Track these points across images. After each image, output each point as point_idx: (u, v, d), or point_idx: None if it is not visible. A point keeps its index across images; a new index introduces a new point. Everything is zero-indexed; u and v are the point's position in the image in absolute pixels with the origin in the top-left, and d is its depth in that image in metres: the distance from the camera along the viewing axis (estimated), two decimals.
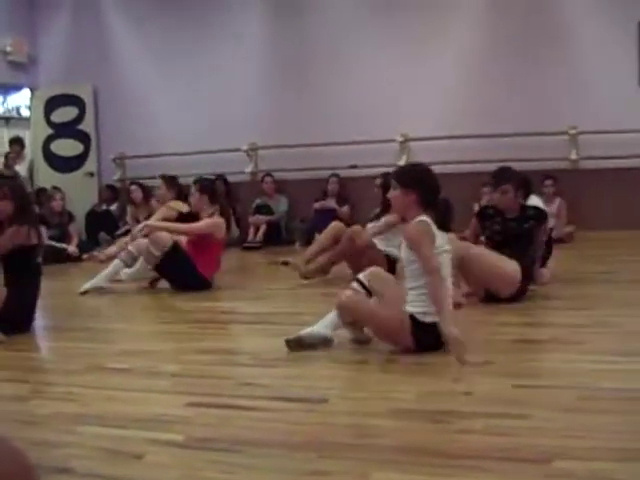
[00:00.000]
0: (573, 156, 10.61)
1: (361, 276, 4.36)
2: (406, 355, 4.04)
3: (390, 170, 5.76)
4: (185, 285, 6.88)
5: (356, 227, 7.14)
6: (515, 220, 5.86)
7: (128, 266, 7.20)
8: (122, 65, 13.02)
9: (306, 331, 4.23)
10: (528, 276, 5.69)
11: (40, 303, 5.59)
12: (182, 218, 7.52)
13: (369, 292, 4.26)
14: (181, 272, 6.86)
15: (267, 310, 5.95)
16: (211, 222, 6.93)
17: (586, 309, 5.31)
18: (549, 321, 5.27)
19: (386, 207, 6.69)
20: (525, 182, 6.34)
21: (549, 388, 3.46)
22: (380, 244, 6.93)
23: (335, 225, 7.47)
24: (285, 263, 7.38)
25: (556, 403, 3.20)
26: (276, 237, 11.26)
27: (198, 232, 6.90)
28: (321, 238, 7.42)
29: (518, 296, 5.58)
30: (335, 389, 3.67)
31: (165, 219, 7.63)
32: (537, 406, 3.17)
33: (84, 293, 6.95)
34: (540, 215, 5.95)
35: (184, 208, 7.80)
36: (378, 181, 7.64)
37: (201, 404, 3.43)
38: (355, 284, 4.32)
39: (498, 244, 5.73)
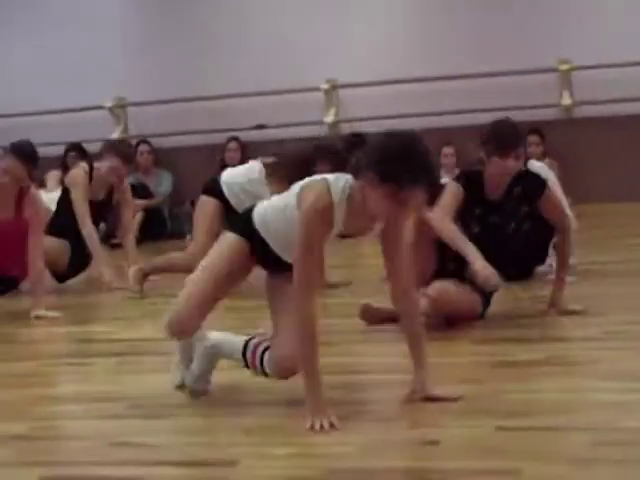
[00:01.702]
0: (566, 100, 10.73)
1: None
2: (345, 390, 4.04)
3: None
4: None
5: None
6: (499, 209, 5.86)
7: None
8: None
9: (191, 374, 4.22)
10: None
11: None
12: None
13: None
14: None
15: (144, 335, 5.88)
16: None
17: (594, 315, 5.37)
18: (544, 334, 5.22)
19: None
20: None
21: (548, 430, 3.44)
22: None
23: None
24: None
25: (558, 452, 3.19)
26: (157, 228, 11.18)
27: None
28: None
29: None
30: (248, 445, 3.62)
31: None
32: (531, 457, 3.15)
33: None
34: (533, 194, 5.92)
35: None
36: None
37: (60, 477, 3.36)
38: None
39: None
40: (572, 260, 6.56)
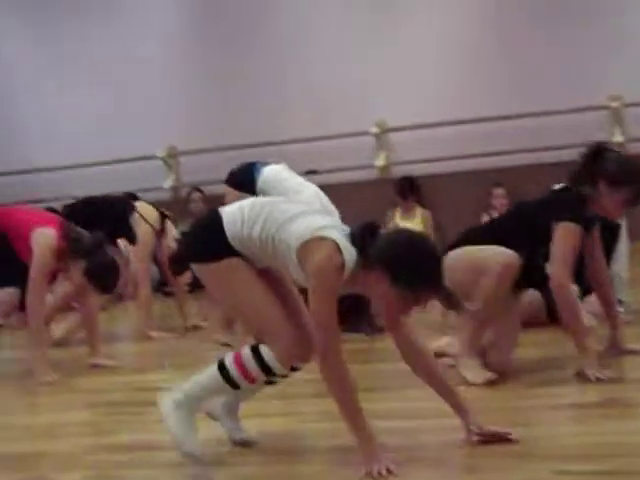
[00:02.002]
0: (618, 137, 10.67)
1: None
2: (400, 435, 4.01)
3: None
4: None
5: None
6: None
7: None
8: None
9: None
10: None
11: None
12: None
13: None
14: None
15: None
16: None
17: None
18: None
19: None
20: None
21: (608, 474, 3.39)
22: None
23: None
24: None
25: None
26: None
27: None
28: None
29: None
30: None
31: None
32: None
33: None
34: None
35: None
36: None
37: None
38: None
39: None
40: (625, 298, 6.53)
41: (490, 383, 4.89)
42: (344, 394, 3.68)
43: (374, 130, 11.45)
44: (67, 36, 12.58)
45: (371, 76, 11.41)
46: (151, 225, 8.29)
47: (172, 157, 12.32)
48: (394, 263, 3.63)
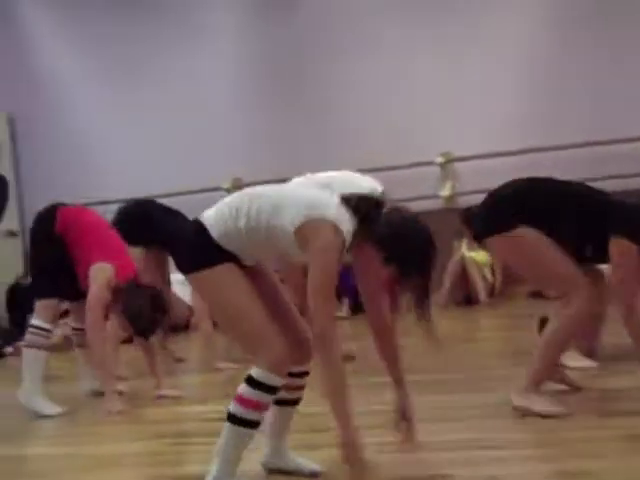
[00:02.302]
0: None
1: None
2: (468, 467, 3.98)
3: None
4: None
5: None
6: None
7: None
8: (48, 88, 13.12)
9: None
10: None
11: None
12: None
13: None
14: None
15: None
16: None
17: None
18: None
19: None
20: None
21: None
22: None
23: None
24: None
25: None
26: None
27: None
28: None
29: None
30: None
31: None
32: None
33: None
34: None
35: None
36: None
37: None
38: None
39: None
40: None
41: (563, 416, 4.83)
42: (336, 373, 3.73)
43: (439, 160, 11.46)
44: (138, 69, 12.69)
45: (437, 107, 11.44)
46: None
47: (237, 188, 12.37)
48: (391, 242, 3.78)
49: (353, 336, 8.67)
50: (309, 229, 3.71)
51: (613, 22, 10.96)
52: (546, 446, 4.35)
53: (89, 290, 6.57)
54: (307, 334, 4.01)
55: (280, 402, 4.10)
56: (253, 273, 3.94)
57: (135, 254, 7.66)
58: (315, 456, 4.32)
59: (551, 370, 5.19)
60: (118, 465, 5.09)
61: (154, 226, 8.35)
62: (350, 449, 3.70)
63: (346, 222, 3.74)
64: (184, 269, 3.97)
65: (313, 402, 5.00)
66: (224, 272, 3.82)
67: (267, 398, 3.80)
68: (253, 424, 3.79)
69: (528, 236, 5.09)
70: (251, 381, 3.77)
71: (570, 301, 5.01)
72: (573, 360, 6.17)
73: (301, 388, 4.17)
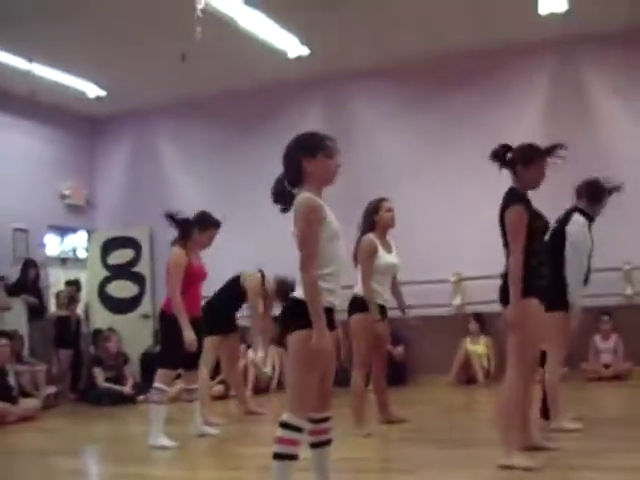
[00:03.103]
0: (628, 291, 10.59)
1: None
2: None
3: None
4: None
5: None
6: None
7: None
8: (180, 206, 13.28)
9: None
10: None
11: (96, 447, 5.68)
12: None
13: None
14: None
15: (355, 455, 5.76)
16: None
17: None
18: (615, 464, 4.93)
19: None
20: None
21: None
22: None
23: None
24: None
25: None
26: None
27: None
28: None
29: None
30: None
31: None
32: None
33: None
34: None
35: None
36: None
37: None
38: None
39: None
40: None
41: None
42: (316, 292, 3.74)
43: (452, 278, 11.49)
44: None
45: (451, 237, 11.42)
46: None
47: None
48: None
49: None
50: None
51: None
52: None
53: None
54: (329, 389, 4.02)
55: (315, 445, 4.06)
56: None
57: None
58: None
59: (514, 428, 4.96)
60: None
61: None
62: (322, 335, 3.69)
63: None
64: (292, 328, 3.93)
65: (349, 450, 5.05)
66: (309, 336, 3.76)
67: (299, 436, 3.81)
68: (291, 457, 3.79)
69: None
70: (288, 426, 3.79)
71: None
72: (566, 423, 6.13)
73: (328, 431, 4.07)
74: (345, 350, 8.46)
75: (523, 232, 4.89)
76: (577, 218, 6.28)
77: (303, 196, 3.86)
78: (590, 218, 6.33)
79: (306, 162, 3.90)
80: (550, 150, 5.11)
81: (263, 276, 8.56)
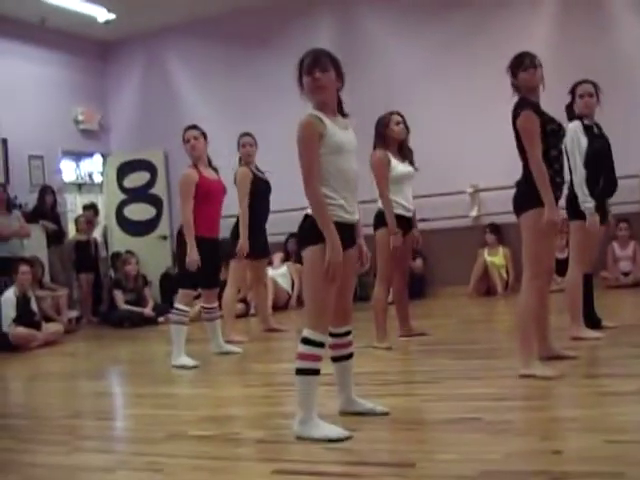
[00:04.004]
0: None
1: None
2: (489, 412, 4.00)
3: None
4: None
5: None
6: None
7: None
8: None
9: None
10: None
11: (119, 368, 5.74)
12: None
13: None
14: None
15: (377, 368, 5.79)
16: None
17: None
18: (631, 372, 4.87)
19: None
20: None
21: None
22: None
23: None
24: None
25: None
26: None
27: None
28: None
29: None
30: (421, 452, 3.55)
31: None
32: (633, 463, 3.04)
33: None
34: None
35: None
36: None
37: (288, 471, 3.38)
38: None
39: None
40: None
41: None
42: (319, 206, 3.75)
43: (469, 190, 11.38)
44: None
45: (468, 147, 11.30)
46: None
47: None
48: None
49: None
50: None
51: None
52: (543, 399, 4.36)
53: None
54: (349, 303, 4.05)
55: (337, 359, 4.11)
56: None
57: None
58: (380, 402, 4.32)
59: (532, 337, 4.96)
60: (238, 404, 5.19)
61: None
62: (332, 248, 3.71)
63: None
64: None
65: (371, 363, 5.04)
66: (322, 250, 3.75)
67: (321, 350, 3.81)
68: (313, 372, 3.80)
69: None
70: (308, 341, 3.79)
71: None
72: (585, 332, 6.11)
73: (349, 344, 4.12)
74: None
75: (538, 135, 4.86)
76: (570, 125, 6.25)
77: (304, 116, 3.88)
78: (586, 126, 6.27)
79: (302, 82, 3.93)
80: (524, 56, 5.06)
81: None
